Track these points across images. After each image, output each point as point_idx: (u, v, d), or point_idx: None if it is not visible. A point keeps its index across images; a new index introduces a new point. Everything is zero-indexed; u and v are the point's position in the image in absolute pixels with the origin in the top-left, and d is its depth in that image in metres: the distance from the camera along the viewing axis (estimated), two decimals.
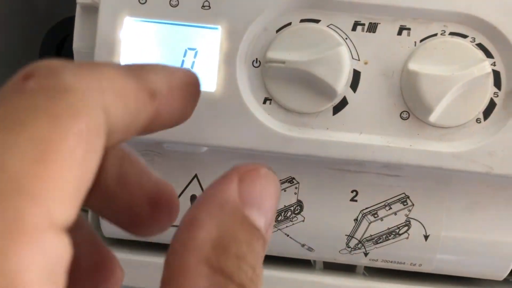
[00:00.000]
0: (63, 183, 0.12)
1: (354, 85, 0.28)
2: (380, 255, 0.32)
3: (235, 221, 0.15)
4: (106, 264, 0.18)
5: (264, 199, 0.16)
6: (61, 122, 0.12)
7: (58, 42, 0.41)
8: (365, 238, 0.31)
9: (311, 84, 0.27)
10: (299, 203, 0.31)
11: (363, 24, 0.28)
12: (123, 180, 0.18)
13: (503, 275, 0.32)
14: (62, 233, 0.12)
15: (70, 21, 0.40)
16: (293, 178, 0.31)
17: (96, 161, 0.13)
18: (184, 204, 0.31)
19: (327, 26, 0.28)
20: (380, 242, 0.31)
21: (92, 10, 0.29)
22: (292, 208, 0.31)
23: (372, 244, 0.31)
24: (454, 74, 0.27)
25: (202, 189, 0.31)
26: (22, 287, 0.11)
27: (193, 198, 0.31)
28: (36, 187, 0.11)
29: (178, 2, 0.28)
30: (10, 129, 0.12)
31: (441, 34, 0.28)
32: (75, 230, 0.13)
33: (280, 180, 0.31)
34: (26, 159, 0.11)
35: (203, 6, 0.28)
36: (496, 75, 0.28)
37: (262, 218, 0.15)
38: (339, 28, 0.28)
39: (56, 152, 0.12)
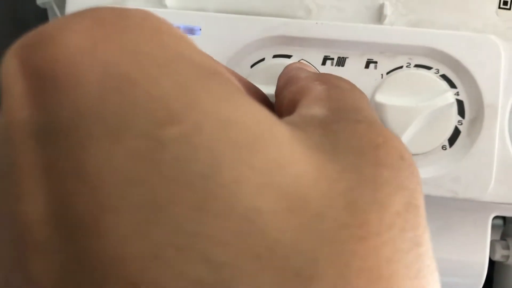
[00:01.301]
0: None
1: None
2: None
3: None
4: None
5: None
6: None
7: None
8: None
9: None
10: None
11: (332, 59, 0.30)
12: None
13: None
14: None
15: None
16: None
17: None
18: None
19: (299, 61, 0.30)
20: None
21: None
22: None
23: None
24: (419, 105, 0.28)
25: None
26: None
27: None
28: None
29: None
30: None
31: (407, 67, 0.30)
32: None
33: None
34: None
35: None
36: (460, 104, 0.29)
37: None
38: (309, 63, 0.30)
39: None
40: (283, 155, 0.12)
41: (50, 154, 0.11)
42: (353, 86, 0.18)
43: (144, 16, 0.13)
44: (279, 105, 0.20)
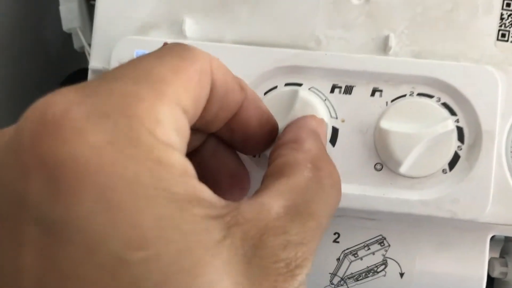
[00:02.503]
0: (187, 85, 0.18)
1: (333, 140, 0.32)
2: None
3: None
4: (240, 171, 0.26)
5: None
6: (187, 60, 0.19)
7: None
8: (347, 276, 0.34)
9: None
10: None
11: (340, 87, 0.32)
12: (216, 154, 0.25)
13: None
14: (185, 114, 0.18)
15: (80, 73, 0.44)
16: None
17: (205, 92, 0.20)
18: None
19: (309, 89, 0.32)
20: (360, 279, 0.35)
21: None
22: None
23: (353, 281, 0.35)
24: (421, 131, 0.30)
25: None
26: (159, 124, 0.16)
27: None
28: (172, 80, 0.17)
29: None
30: (158, 57, 0.18)
31: (410, 95, 0.32)
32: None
33: None
34: (166, 68, 0.18)
35: None
36: (460, 130, 0.32)
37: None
38: (319, 91, 0.32)
39: (185, 69, 0.18)
40: (215, 279, 0.15)
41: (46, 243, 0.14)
42: (335, 182, 0.22)
43: (150, 149, 0.16)
44: (272, 152, 0.23)
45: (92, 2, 0.41)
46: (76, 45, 0.41)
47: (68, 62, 0.50)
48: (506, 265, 0.37)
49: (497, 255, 0.38)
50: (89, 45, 0.34)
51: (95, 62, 0.34)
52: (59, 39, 0.49)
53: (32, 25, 0.50)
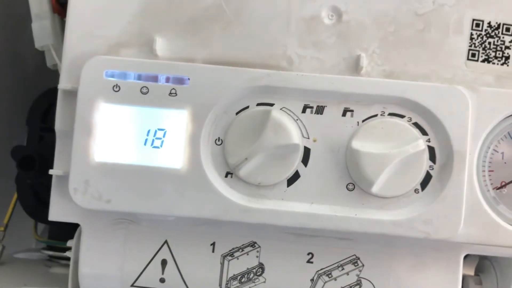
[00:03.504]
0: None
1: (305, 160, 0.32)
2: None
3: None
4: None
5: None
6: None
7: (44, 111, 0.44)
8: None
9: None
10: (261, 266, 0.34)
11: (312, 107, 0.32)
12: None
13: None
14: None
15: (55, 90, 0.43)
16: (255, 243, 0.34)
17: None
18: (155, 268, 0.34)
19: (280, 109, 0.32)
20: None
21: (72, 95, 0.33)
22: (254, 270, 0.34)
23: None
24: (391, 152, 0.30)
25: (171, 254, 0.34)
26: None
27: (163, 262, 0.34)
28: None
29: (148, 89, 0.31)
30: None
31: (381, 115, 0.32)
32: None
33: (243, 245, 0.34)
34: None
35: (170, 93, 0.31)
36: (431, 150, 0.32)
37: None
38: (290, 111, 0.32)
39: None
40: None
41: None
42: None
43: None
44: None
45: (65, 19, 0.40)
46: (48, 63, 0.41)
47: (44, 79, 0.50)
48: (480, 283, 0.37)
49: (472, 272, 0.38)
50: None
51: (64, 82, 0.33)
52: (35, 56, 0.49)
53: (7, 42, 0.50)
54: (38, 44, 0.40)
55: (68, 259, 0.44)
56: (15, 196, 0.43)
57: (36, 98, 0.45)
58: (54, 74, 0.44)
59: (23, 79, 0.52)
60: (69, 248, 0.37)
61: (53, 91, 0.46)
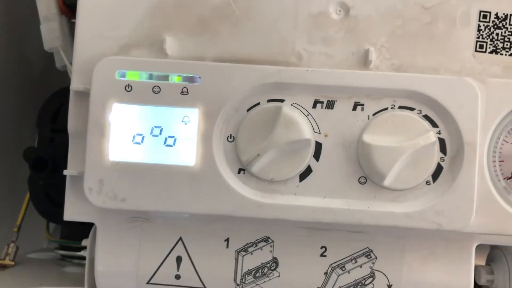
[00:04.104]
0: None
1: (317, 155, 0.32)
2: None
3: None
4: None
5: None
6: None
7: (54, 111, 0.45)
8: None
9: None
10: (275, 260, 0.34)
11: (322, 102, 0.32)
12: None
13: None
14: None
15: (64, 91, 0.44)
16: (269, 237, 0.34)
17: None
18: (171, 264, 0.34)
19: (291, 104, 0.32)
20: None
21: (84, 95, 0.33)
22: (268, 265, 0.34)
23: None
24: (402, 145, 0.31)
25: (186, 250, 0.34)
26: None
27: (178, 259, 0.34)
28: None
29: (160, 89, 0.32)
30: None
31: (391, 108, 0.32)
32: None
33: (256, 240, 0.34)
34: None
35: (182, 92, 0.32)
36: (442, 142, 0.32)
37: None
38: (301, 106, 0.32)
39: None
40: None
41: None
42: None
43: None
44: None
45: (73, 20, 0.41)
46: (58, 64, 0.41)
47: (52, 80, 0.50)
48: (492, 272, 0.37)
49: (483, 262, 0.39)
50: (71, 63, 0.34)
51: (76, 84, 0.34)
52: (43, 57, 0.49)
53: (15, 44, 0.50)
54: (47, 46, 0.40)
55: (81, 258, 0.45)
56: (27, 197, 0.44)
57: (45, 100, 0.46)
58: (62, 75, 0.45)
59: (31, 80, 0.52)
60: (83, 247, 0.37)
61: (62, 93, 0.47)
